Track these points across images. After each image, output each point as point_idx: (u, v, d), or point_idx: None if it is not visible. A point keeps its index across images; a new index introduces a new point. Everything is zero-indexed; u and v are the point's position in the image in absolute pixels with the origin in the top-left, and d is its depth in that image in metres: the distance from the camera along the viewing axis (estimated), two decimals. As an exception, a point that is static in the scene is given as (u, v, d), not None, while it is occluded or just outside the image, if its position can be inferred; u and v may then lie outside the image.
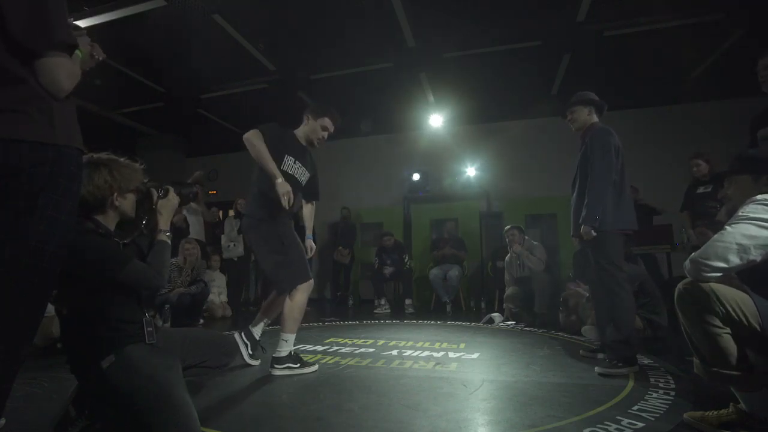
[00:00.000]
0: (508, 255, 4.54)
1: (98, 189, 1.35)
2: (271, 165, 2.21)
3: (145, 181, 1.51)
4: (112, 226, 1.41)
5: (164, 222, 1.51)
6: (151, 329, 1.37)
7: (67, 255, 1.24)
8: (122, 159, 1.45)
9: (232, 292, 5.45)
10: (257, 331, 2.58)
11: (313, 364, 2.40)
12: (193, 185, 1.71)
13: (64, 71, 1.06)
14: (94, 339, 1.26)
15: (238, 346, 2.44)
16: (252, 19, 4.08)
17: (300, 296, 2.33)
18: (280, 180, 2.18)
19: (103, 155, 1.42)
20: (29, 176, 1.00)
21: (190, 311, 4.28)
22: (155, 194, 1.51)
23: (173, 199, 1.55)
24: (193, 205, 4.47)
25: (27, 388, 2.02)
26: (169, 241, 1.52)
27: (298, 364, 2.33)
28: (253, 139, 2.24)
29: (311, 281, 2.41)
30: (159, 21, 3.95)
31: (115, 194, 1.38)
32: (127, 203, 1.43)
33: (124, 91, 5.50)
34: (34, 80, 1.03)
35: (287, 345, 2.33)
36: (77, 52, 1.16)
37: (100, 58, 1.38)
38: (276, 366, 2.30)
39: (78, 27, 1.41)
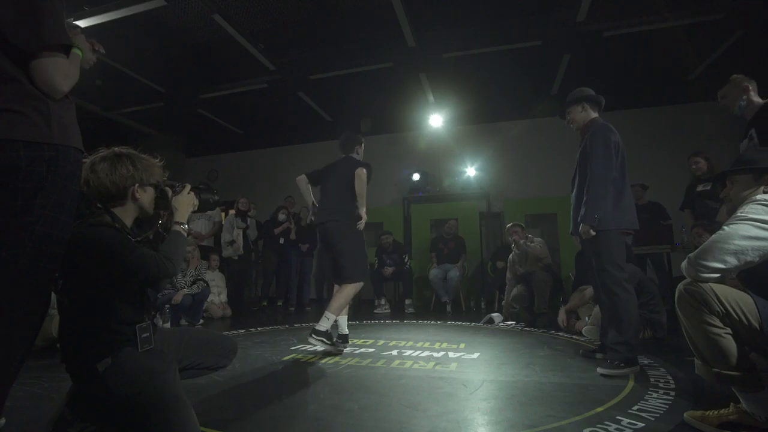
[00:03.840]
0: (511, 254, 4.53)
1: (121, 178, 1.34)
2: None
3: (165, 177, 1.50)
4: (128, 222, 1.40)
5: (181, 215, 1.49)
6: (147, 335, 1.32)
7: (78, 247, 1.22)
8: (141, 153, 1.47)
9: (231, 292, 5.44)
10: (343, 325, 2.97)
11: (339, 348, 2.79)
12: (215, 192, 1.70)
13: (58, 71, 1.05)
14: (92, 339, 1.24)
15: (237, 347, 2.45)
16: (252, 19, 4.08)
17: (351, 290, 2.83)
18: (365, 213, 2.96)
19: (123, 148, 1.42)
20: (25, 175, 1.00)
21: (190, 311, 4.29)
22: (170, 191, 1.50)
23: (190, 195, 1.53)
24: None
25: (27, 388, 2.02)
26: (185, 234, 1.50)
27: (330, 342, 2.71)
28: (366, 177, 2.92)
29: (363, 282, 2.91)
30: (159, 21, 3.95)
31: (137, 185, 1.38)
32: (147, 197, 1.42)
33: (124, 91, 5.50)
34: (28, 80, 1.02)
35: (328, 322, 2.71)
36: (76, 51, 1.16)
37: (102, 51, 1.39)
38: (314, 336, 2.67)
39: (74, 26, 1.41)
